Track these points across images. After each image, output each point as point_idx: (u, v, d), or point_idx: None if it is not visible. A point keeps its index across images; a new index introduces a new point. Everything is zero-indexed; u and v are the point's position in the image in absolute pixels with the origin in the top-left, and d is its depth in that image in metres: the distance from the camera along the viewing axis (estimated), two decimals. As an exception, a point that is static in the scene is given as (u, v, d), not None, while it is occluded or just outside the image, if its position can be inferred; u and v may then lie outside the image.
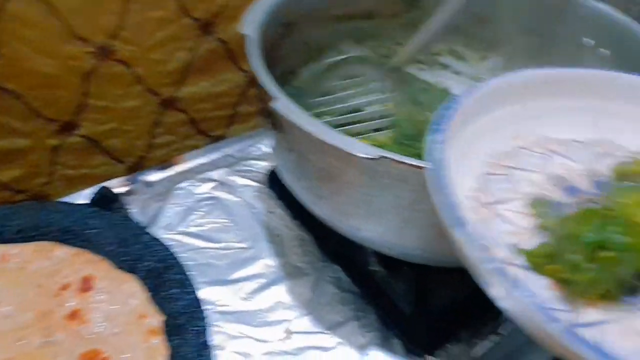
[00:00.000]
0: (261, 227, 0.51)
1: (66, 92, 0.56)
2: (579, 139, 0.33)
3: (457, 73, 0.56)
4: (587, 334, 0.23)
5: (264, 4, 0.44)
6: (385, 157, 0.31)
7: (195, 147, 0.67)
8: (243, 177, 0.55)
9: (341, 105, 0.52)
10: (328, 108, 0.51)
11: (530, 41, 0.52)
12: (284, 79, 0.52)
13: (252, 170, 0.56)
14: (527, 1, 0.51)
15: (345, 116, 0.50)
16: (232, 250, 0.49)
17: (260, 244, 0.49)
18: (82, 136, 0.60)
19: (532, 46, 0.52)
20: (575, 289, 0.25)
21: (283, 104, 0.35)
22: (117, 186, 0.53)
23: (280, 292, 0.46)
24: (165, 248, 0.43)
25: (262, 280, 0.47)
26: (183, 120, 0.66)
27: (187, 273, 0.42)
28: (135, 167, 0.66)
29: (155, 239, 0.44)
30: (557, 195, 0.30)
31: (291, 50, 0.51)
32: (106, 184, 0.52)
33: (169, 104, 0.63)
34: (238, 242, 0.49)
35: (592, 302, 0.25)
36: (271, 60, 0.48)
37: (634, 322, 0.24)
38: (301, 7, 0.49)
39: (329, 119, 0.51)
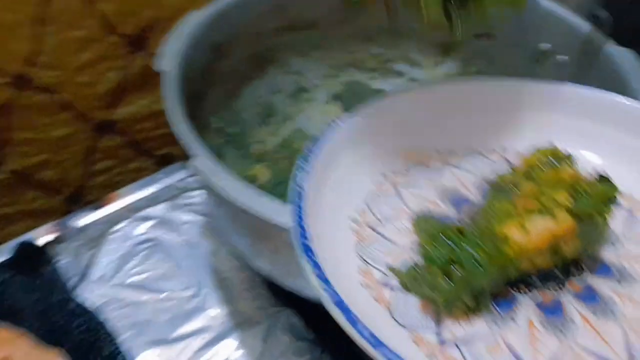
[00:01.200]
0: (207, 270, 0.47)
1: (-17, 127, 0.51)
2: (476, 149, 0.33)
3: (412, 80, 0.52)
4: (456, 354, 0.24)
5: (184, 31, 0.39)
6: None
7: (141, 169, 0.62)
8: (187, 211, 0.50)
9: (287, 122, 0.48)
10: (273, 128, 0.47)
11: (487, 45, 0.48)
12: (224, 103, 0.47)
13: (196, 203, 0.51)
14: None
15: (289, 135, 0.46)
16: (174, 301, 0.44)
17: (206, 291, 0.45)
18: (11, 171, 0.55)
19: (488, 50, 0.48)
20: (439, 307, 0.25)
21: (202, 163, 0.30)
22: (45, 234, 0.48)
23: (229, 348, 0.42)
24: (94, 316, 0.39)
25: (208, 336, 0.43)
26: (122, 143, 0.60)
27: (119, 342, 0.38)
28: (75, 198, 0.61)
29: (82, 306, 0.39)
30: (444, 209, 0.30)
31: (228, 71, 0.46)
32: (31, 233, 0.47)
33: (104, 127, 0.58)
34: (182, 290, 0.45)
35: (460, 318, 0.25)
36: (204, 87, 0.43)
37: (502, 334, 0.25)
38: (229, 26, 0.43)
39: (274, 140, 0.47)
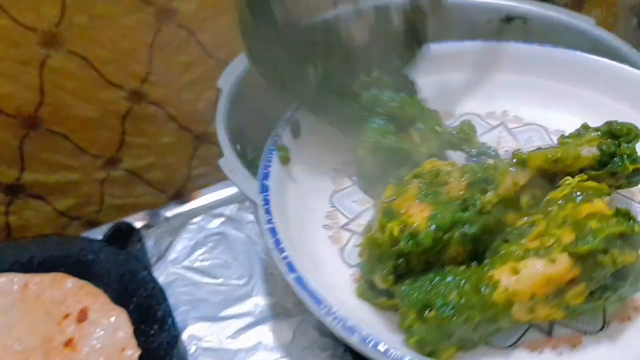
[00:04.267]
0: (259, 265, 0.53)
1: (107, 132, 0.63)
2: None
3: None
4: None
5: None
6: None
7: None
8: (251, 213, 0.57)
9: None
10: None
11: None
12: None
13: (262, 207, 0.58)
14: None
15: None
16: (227, 287, 0.51)
17: (256, 282, 0.51)
18: (125, 169, 0.67)
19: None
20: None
21: (225, 162, 0.36)
22: (139, 219, 0.58)
23: (263, 333, 0.47)
24: (157, 286, 0.47)
25: (249, 319, 0.48)
26: (217, 152, 0.70)
27: (173, 311, 0.45)
28: (177, 197, 0.72)
29: (151, 276, 0.48)
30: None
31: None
32: (129, 217, 0.58)
33: (202, 139, 0.68)
34: (235, 279, 0.52)
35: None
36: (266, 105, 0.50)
37: None
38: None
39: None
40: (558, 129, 0.33)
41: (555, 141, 0.29)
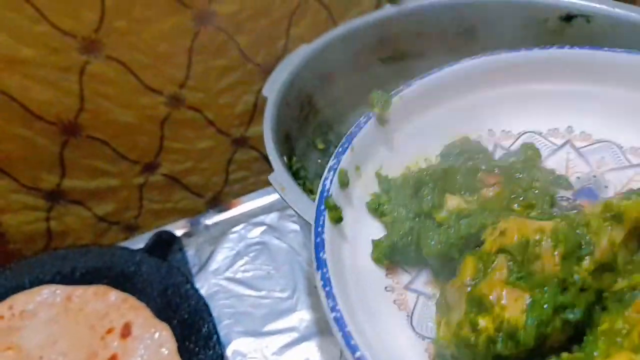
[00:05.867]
0: (303, 277, 0.51)
1: (146, 137, 0.62)
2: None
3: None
4: None
5: (293, 61, 0.44)
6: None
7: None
8: (294, 222, 0.55)
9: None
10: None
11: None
12: (330, 126, 0.51)
13: (304, 215, 0.56)
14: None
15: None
16: (271, 300, 0.50)
17: (299, 295, 0.50)
18: (164, 175, 0.66)
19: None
20: None
21: (275, 178, 0.34)
22: (179, 228, 0.57)
23: (310, 349, 0.46)
24: (202, 300, 0.46)
25: (295, 335, 0.47)
26: (255, 157, 0.68)
27: (217, 327, 0.44)
28: (214, 201, 0.71)
29: (195, 290, 0.46)
30: None
31: (334, 98, 0.50)
32: (169, 226, 0.57)
33: (240, 143, 0.66)
34: (278, 292, 0.50)
35: None
36: (310, 112, 0.48)
37: None
38: (339, 55, 0.48)
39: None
40: (634, 146, 0.29)
41: (633, 161, 0.26)
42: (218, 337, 0.44)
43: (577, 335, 0.21)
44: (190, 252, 0.55)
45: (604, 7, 0.44)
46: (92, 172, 0.62)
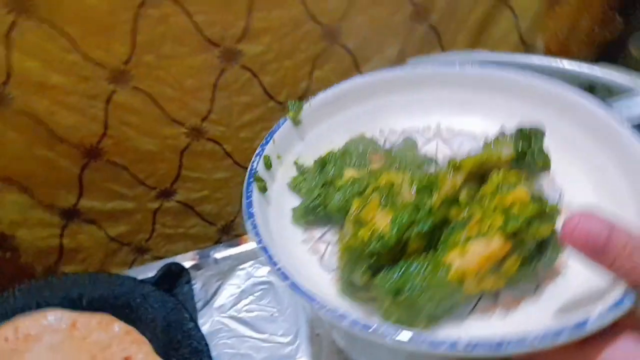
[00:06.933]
0: (305, 322, 0.51)
1: (164, 165, 0.63)
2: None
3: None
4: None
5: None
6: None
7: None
8: (302, 264, 0.56)
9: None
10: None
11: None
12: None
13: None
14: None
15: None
16: (272, 344, 0.50)
17: (301, 342, 0.50)
18: (178, 201, 0.67)
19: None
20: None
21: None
22: (189, 260, 0.57)
23: (306, 399, 0.46)
24: (203, 341, 0.46)
25: (292, 383, 0.47)
26: (270, 191, 0.69)
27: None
28: (226, 230, 0.72)
29: (198, 330, 0.47)
30: None
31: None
32: (177, 257, 0.57)
33: (256, 176, 0.67)
34: (280, 335, 0.50)
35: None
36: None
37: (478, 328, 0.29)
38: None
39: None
40: (482, 132, 0.38)
41: (481, 144, 0.35)
42: (216, 380, 0.44)
43: (434, 247, 0.30)
44: (197, 286, 0.55)
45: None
46: (109, 195, 0.63)
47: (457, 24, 0.62)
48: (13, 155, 0.57)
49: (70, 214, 0.64)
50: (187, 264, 0.57)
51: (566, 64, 0.51)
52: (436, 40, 0.62)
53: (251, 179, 0.35)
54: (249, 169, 0.36)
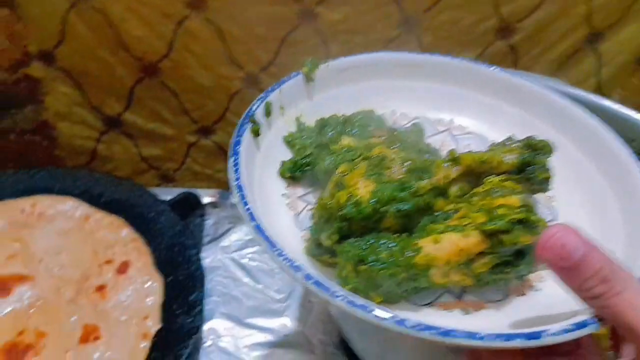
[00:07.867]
0: (301, 287, 0.51)
1: (213, 103, 0.64)
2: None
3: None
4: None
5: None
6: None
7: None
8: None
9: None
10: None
11: None
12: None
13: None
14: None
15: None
16: (263, 295, 0.50)
17: (291, 303, 0.50)
18: (215, 142, 0.68)
19: None
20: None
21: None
22: (208, 196, 0.58)
23: (280, 358, 0.46)
24: (200, 269, 0.47)
25: (271, 338, 0.47)
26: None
27: (205, 299, 0.45)
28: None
29: (198, 258, 0.48)
30: None
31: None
32: (199, 190, 0.58)
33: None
34: (273, 291, 0.51)
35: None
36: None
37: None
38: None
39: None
40: (493, 139, 0.37)
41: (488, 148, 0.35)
42: (202, 309, 0.45)
43: (409, 231, 0.30)
44: (209, 222, 0.56)
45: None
46: (152, 115, 0.65)
47: (540, 51, 0.61)
48: (77, 50, 0.59)
49: (112, 122, 0.65)
50: (205, 200, 0.58)
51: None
52: (512, 61, 0.61)
53: (246, 120, 0.34)
54: (247, 110, 0.35)
